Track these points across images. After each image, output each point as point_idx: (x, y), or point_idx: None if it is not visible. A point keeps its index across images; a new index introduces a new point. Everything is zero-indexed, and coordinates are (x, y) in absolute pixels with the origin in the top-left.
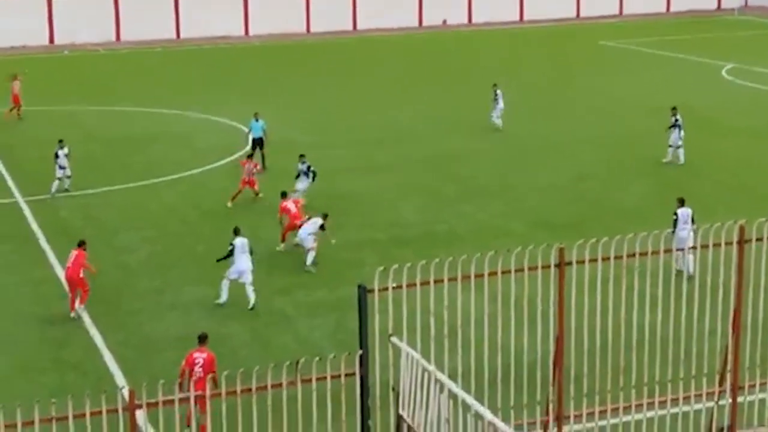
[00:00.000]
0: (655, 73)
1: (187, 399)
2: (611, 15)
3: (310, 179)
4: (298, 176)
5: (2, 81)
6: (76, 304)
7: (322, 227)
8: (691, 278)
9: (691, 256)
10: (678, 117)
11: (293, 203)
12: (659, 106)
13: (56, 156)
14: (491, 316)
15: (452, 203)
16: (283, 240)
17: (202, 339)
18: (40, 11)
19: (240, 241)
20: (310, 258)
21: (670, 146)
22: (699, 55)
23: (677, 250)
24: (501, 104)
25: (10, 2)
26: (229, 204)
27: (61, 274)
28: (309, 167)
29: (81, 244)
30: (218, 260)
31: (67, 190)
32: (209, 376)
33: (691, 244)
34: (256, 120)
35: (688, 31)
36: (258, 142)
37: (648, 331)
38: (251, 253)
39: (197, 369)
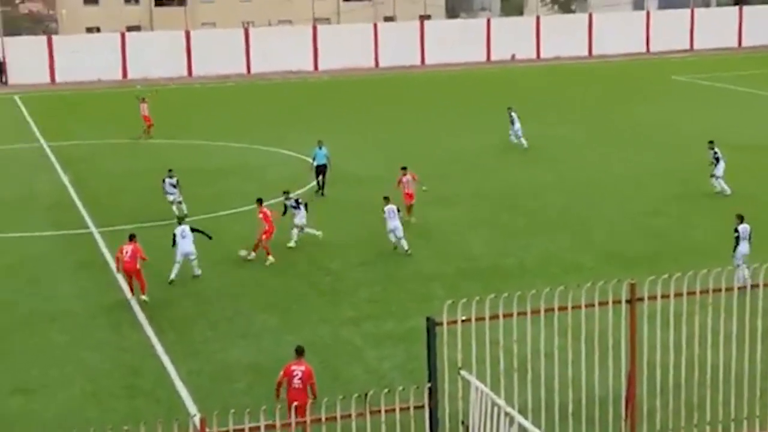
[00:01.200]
0: (727, 108)
1: (257, 429)
2: (682, 50)
3: (303, 210)
4: (284, 212)
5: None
6: (135, 296)
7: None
8: (751, 287)
9: (747, 271)
10: (716, 149)
11: (270, 212)
12: (733, 142)
13: (163, 182)
14: (561, 351)
15: (520, 236)
16: (255, 249)
17: (300, 352)
18: (114, 47)
19: (180, 228)
20: (405, 244)
21: (715, 177)
22: None
23: (738, 265)
24: (517, 125)
25: (86, 38)
26: (413, 219)
27: (133, 301)
28: (297, 200)
29: (132, 238)
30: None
31: (182, 215)
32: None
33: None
34: (320, 147)
35: (760, 66)
36: (321, 169)
37: (722, 367)
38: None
39: (296, 381)
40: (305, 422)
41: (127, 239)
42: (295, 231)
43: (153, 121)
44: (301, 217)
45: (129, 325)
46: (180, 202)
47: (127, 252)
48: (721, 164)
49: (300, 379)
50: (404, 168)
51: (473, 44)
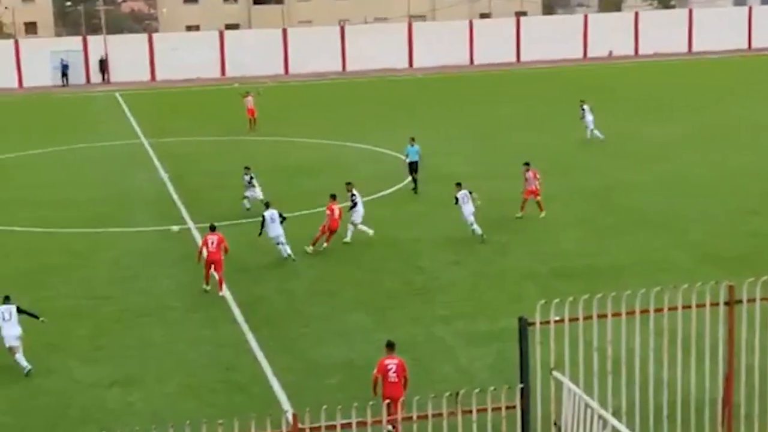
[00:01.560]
0: None
1: (349, 425)
2: None
3: (361, 207)
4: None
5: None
6: (218, 290)
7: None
8: None
9: None
10: None
11: (338, 209)
12: None
13: (243, 179)
14: (657, 352)
15: (615, 235)
16: (327, 241)
17: (391, 345)
18: (213, 45)
19: (269, 213)
20: (478, 228)
21: None
22: None
23: None
24: (589, 117)
25: (186, 36)
26: (542, 214)
27: (229, 297)
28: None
29: (214, 228)
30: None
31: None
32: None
33: None
34: (412, 145)
35: None
36: (413, 166)
37: None
38: (282, 220)
39: (391, 374)
40: (396, 420)
41: (209, 230)
42: (350, 227)
43: (257, 114)
44: (358, 215)
45: (224, 320)
46: (247, 197)
47: (213, 243)
48: None
49: (395, 372)
50: (527, 164)
51: (570, 41)
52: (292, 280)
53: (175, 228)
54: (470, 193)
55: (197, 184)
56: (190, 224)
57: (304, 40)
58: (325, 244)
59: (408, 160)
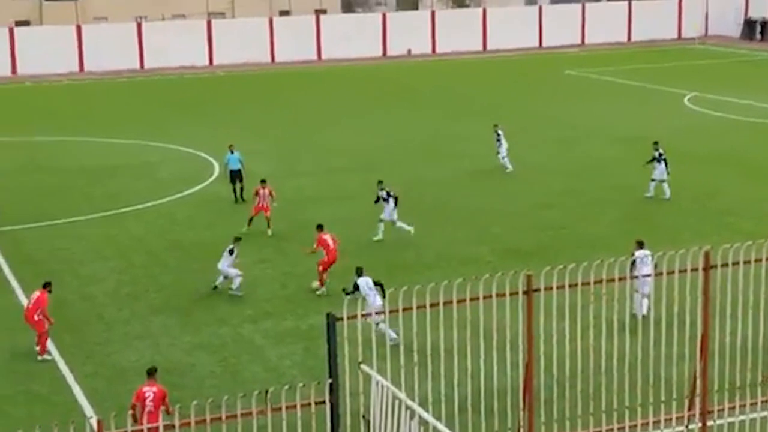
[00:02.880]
0: (619, 102)
1: (156, 429)
2: (574, 45)
3: (393, 204)
4: (377, 201)
5: None
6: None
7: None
8: (645, 318)
9: (646, 300)
10: (661, 151)
11: (331, 239)
12: (623, 135)
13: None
14: (461, 343)
15: (417, 230)
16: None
17: (151, 373)
18: (3, 43)
19: (363, 280)
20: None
21: (653, 180)
22: (661, 84)
23: (636, 292)
24: (504, 144)
25: None
26: (269, 232)
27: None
28: (389, 193)
29: (46, 285)
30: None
31: None
32: (162, 409)
33: (648, 290)
34: (231, 152)
35: (649, 60)
36: (236, 175)
37: (616, 356)
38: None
39: (148, 403)
40: (205, 421)
41: (42, 285)
42: (380, 225)
43: None
44: (389, 211)
45: (22, 328)
46: None
47: (31, 299)
48: (666, 166)
49: (152, 401)
50: (263, 181)
51: (369, 39)
52: (93, 284)
53: (315, 285)
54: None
55: None
56: None
57: (100, 37)
58: (322, 288)
59: (229, 168)
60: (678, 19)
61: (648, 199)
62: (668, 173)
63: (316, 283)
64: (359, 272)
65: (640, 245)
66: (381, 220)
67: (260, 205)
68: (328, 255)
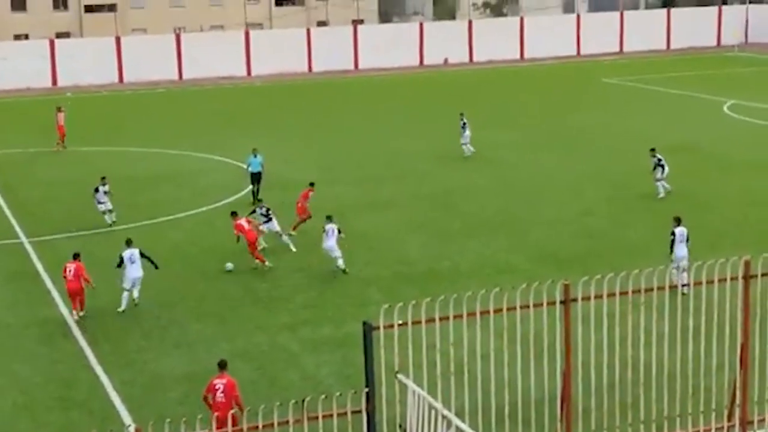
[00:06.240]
0: (658, 110)
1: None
2: (612, 53)
3: (275, 221)
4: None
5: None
6: (76, 312)
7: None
8: (684, 288)
9: (684, 274)
10: (659, 156)
11: (246, 221)
12: (663, 143)
13: (96, 191)
14: (497, 353)
15: (456, 239)
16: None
17: (222, 365)
18: (43, 54)
19: (129, 252)
20: (342, 263)
21: (661, 180)
22: (700, 91)
23: (674, 268)
24: (467, 132)
25: (14, 45)
26: (293, 232)
27: (65, 312)
28: (269, 210)
29: (76, 257)
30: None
31: (112, 223)
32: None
33: (686, 263)
34: (254, 155)
35: (688, 68)
36: (256, 177)
37: (655, 366)
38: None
39: (219, 395)
40: (242, 430)
41: (71, 257)
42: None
43: (66, 131)
44: (273, 226)
45: (62, 336)
46: (111, 211)
47: (70, 271)
48: (666, 169)
49: (222, 392)
50: (312, 184)
51: (406, 48)
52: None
53: (230, 265)
54: (338, 231)
55: (28, 196)
56: (23, 238)
57: (139, 49)
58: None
59: (250, 170)
60: (717, 27)
61: (663, 199)
62: (665, 177)
63: (229, 264)
64: (128, 243)
65: (678, 221)
66: (280, 234)
67: (301, 205)
68: (248, 236)
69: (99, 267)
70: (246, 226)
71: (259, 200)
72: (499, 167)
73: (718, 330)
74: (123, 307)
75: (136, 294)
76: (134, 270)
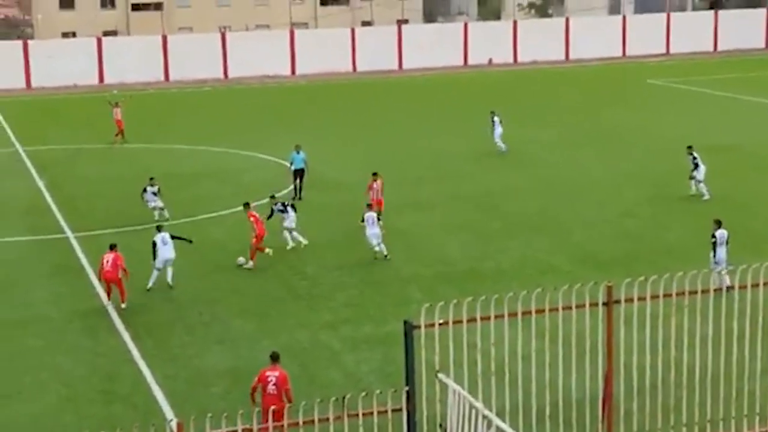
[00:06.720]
0: (702, 112)
1: None
2: (658, 54)
3: (292, 213)
4: (270, 216)
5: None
6: (111, 302)
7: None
8: (729, 291)
9: (726, 276)
10: (695, 155)
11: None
12: (710, 144)
13: (144, 191)
14: (539, 353)
15: (497, 239)
16: (252, 258)
17: (275, 357)
18: (90, 52)
19: (161, 236)
20: (384, 248)
21: (697, 180)
22: (747, 93)
23: (717, 272)
24: (499, 129)
25: (62, 43)
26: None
27: (110, 306)
28: (284, 204)
29: (113, 247)
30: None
31: (167, 219)
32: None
33: (725, 265)
34: (297, 152)
35: (735, 69)
36: (299, 173)
37: (698, 368)
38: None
39: (270, 387)
40: (282, 426)
41: (108, 248)
42: (286, 234)
43: (125, 126)
44: (290, 220)
45: (105, 330)
46: (162, 209)
47: (108, 261)
48: (701, 168)
49: (274, 384)
50: (375, 174)
51: (451, 48)
52: (176, 288)
53: (242, 260)
54: (378, 218)
55: (74, 192)
56: (68, 233)
57: (185, 47)
58: (251, 263)
59: (293, 168)
60: (766, 29)
61: (707, 201)
62: (696, 176)
63: (241, 258)
64: (158, 228)
65: (719, 224)
66: (284, 230)
67: (375, 198)
68: (258, 229)
69: (142, 263)
70: (260, 219)
71: (272, 197)
72: (539, 167)
73: (762, 333)
74: (150, 285)
75: (170, 276)
76: (166, 251)
